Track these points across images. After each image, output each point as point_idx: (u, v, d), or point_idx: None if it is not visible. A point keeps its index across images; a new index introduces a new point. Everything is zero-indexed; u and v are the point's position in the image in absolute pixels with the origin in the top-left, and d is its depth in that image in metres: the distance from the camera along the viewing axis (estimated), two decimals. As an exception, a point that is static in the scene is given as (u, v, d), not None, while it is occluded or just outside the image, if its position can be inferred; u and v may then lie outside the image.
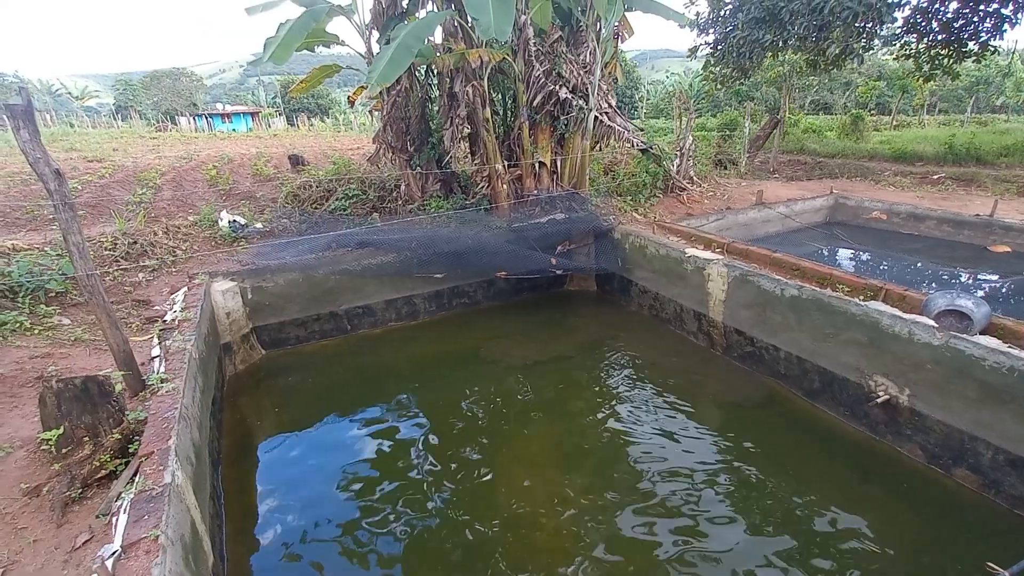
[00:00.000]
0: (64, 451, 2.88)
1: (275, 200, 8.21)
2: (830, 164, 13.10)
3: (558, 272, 7.13)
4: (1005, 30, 12.44)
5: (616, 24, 8.10)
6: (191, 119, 43.82)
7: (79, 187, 9.16)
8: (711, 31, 13.84)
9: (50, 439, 2.81)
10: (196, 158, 15.83)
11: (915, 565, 3.26)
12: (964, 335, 3.70)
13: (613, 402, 5.23)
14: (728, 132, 14.97)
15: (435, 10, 6.84)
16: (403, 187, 8.29)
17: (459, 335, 7.03)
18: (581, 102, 7.38)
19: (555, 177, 8.04)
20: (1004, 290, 6.17)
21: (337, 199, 7.87)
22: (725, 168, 11.89)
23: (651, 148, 8.49)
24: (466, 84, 6.78)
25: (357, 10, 7.31)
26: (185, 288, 5.44)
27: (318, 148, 19.20)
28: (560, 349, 6.47)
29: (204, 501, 3.21)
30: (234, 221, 6.89)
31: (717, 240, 6.79)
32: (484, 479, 4.15)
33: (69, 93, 51.19)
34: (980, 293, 6.07)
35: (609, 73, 8.41)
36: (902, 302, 4.61)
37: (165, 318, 4.87)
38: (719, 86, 15.14)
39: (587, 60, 7.33)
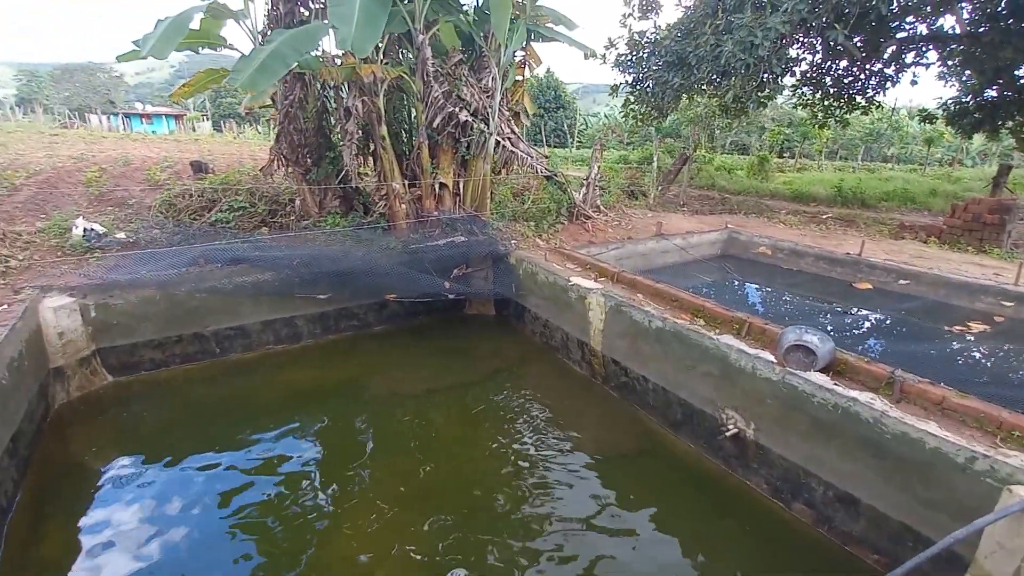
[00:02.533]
0: None
1: (151, 208, 7.55)
2: (734, 201, 13.91)
3: (451, 296, 6.96)
4: (888, 87, 14.04)
5: (522, 53, 8.24)
6: (106, 117, 40.63)
7: (-83, 183, 8.07)
8: (630, 71, 14.55)
9: None
10: (91, 159, 14.54)
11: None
12: (797, 371, 3.84)
13: (497, 438, 5.01)
14: (646, 165, 15.64)
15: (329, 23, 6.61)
16: (298, 202, 7.89)
17: (346, 361, 6.65)
18: (482, 125, 7.36)
19: (457, 199, 7.94)
20: (864, 325, 6.62)
21: (220, 211, 7.34)
22: (635, 199, 12.31)
23: (556, 175, 8.60)
24: (358, 99, 6.58)
25: (249, 15, 6.96)
26: (5, 305, 4.78)
27: (237, 156, 18.23)
28: (452, 378, 6.23)
29: (-56, 561, 2.68)
30: (90, 230, 6.23)
31: (609, 269, 6.88)
32: (350, 528, 3.78)
33: (-40, 80, 46.16)
34: (847, 328, 6.46)
35: (517, 100, 8.50)
36: (762, 335, 4.76)
37: (-29, 339, 4.22)
38: (638, 123, 15.90)
39: (488, 85, 7.35)
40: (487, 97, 7.37)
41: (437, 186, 7.68)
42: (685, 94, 14.09)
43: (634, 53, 14.00)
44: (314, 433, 5.05)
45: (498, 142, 7.61)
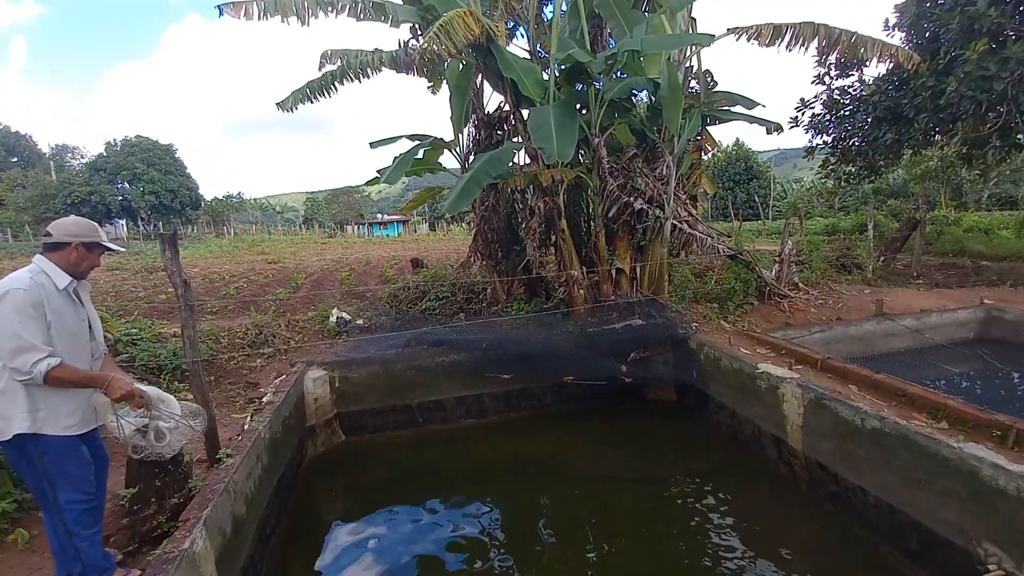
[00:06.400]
0: (135, 508, 3.49)
1: (381, 299, 9.36)
2: (995, 269, 11.08)
3: (628, 380, 6.89)
4: None
5: (697, 139, 8.34)
6: (356, 227, 52.29)
7: (245, 285, 11.40)
8: (829, 131, 13.35)
9: (125, 496, 3.46)
10: (345, 261, 18.64)
11: None
12: (1098, 502, 2.83)
13: (678, 537, 4.64)
14: (859, 233, 13.65)
15: (518, 141, 7.76)
16: (489, 290, 8.93)
17: (527, 439, 6.97)
18: (657, 211, 7.51)
19: (634, 283, 8.04)
20: None
21: (429, 300, 8.72)
22: (849, 273, 10.72)
23: (739, 254, 8.14)
24: (539, 199, 7.40)
25: (459, 143, 8.57)
26: (285, 375, 6.37)
27: (445, 251, 21.47)
28: (628, 464, 6.05)
29: (231, 572, 3.56)
30: (341, 317, 7.98)
31: (810, 355, 6.11)
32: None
33: (274, 208, 64.77)
34: None
35: (693, 183, 8.51)
36: (1037, 447, 3.67)
37: (263, 399, 5.71)
38: (841, 184, 14.20)
39: (663, 173, 7.56)
40: (662, 184, 7.56)
41: (614, 271, 7.94)
42: (906, 149, 12.32)
43: (833, 112, 12.90)
44: (494, 502, 5.35)
45: (675, 226, 7.63)
